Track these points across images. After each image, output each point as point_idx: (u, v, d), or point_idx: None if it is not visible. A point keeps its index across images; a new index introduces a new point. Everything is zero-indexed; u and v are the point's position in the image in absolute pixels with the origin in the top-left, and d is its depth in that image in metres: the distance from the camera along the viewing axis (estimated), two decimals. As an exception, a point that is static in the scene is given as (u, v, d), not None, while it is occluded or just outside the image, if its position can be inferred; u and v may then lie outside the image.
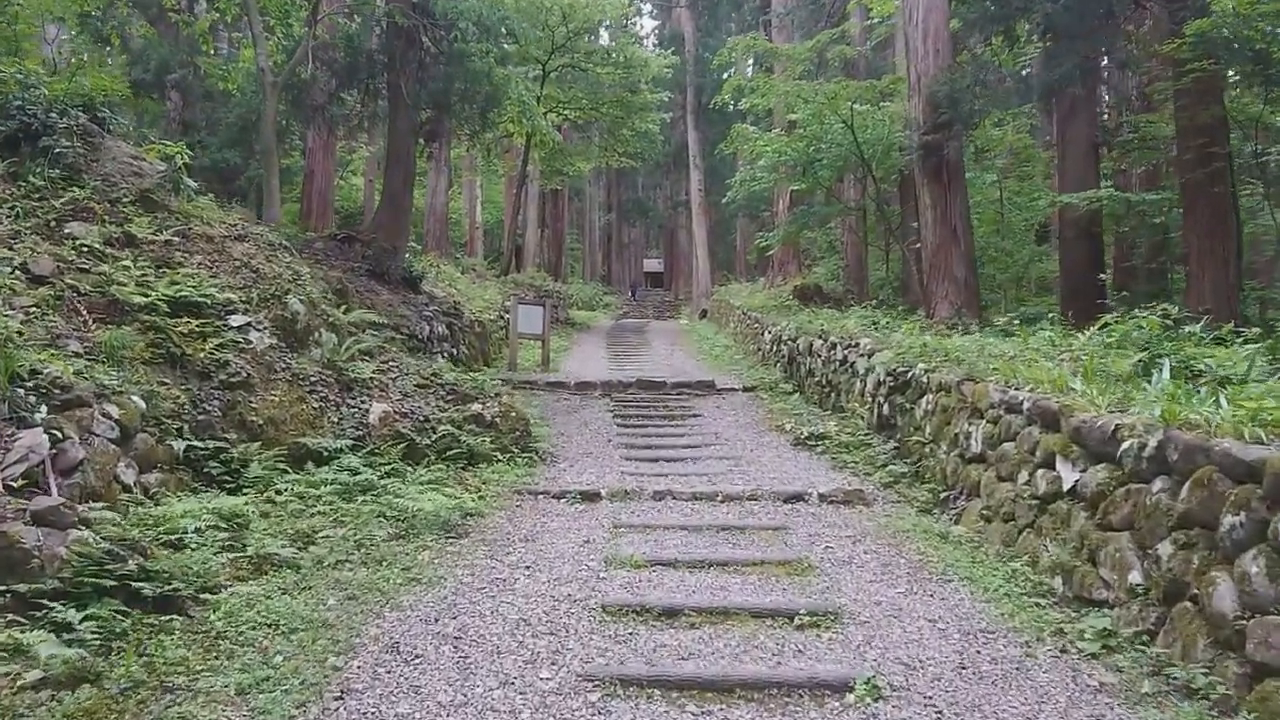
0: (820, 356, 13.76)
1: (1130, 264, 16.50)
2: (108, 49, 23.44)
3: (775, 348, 18.09)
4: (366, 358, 9.51)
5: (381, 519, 6.88)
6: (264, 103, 13.80)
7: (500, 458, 9.20)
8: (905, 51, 14.76)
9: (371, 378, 8.92)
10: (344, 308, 10.50)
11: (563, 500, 8.20)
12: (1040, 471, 6.21)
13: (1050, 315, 14.04)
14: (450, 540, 6.81)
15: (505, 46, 15.83)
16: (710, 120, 43.92)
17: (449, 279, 22.94)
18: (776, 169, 23.64)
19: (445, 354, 14.47)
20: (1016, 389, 7.07)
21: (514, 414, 9.65)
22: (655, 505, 8.08)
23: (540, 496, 8.29)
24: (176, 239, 8.38)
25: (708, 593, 5.66)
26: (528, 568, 6.19)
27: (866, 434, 10.50)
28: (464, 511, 7.41)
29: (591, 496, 8.27)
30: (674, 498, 8.29)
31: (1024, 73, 17.13)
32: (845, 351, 12.40)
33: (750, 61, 36.19)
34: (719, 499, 8.24)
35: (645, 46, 41.49)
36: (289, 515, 6.63)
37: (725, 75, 36.08)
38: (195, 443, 6.90)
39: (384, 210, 15.85)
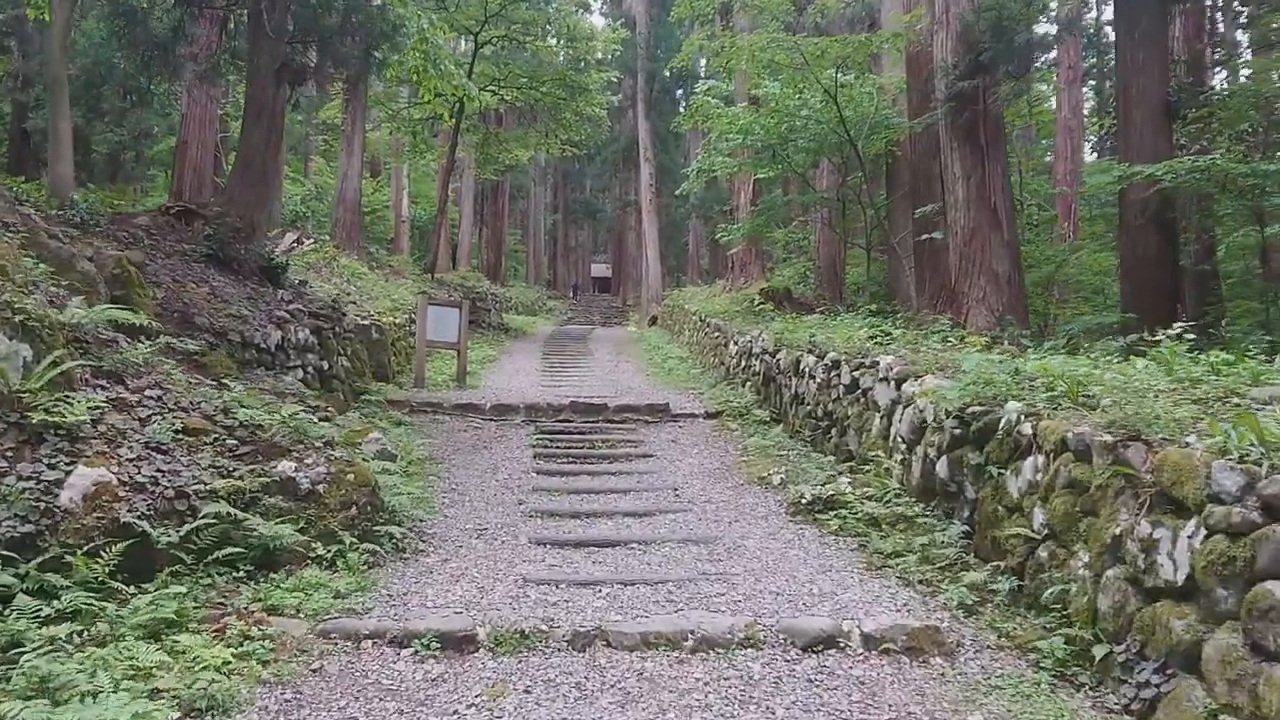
0: (813, 378, 10.24)
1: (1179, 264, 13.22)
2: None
3: (744, 363, 14.59)
4: (103, 384, 5.71)
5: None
6: (52, 15, 9.89)
7: (321, 554, 5.46)
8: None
9: (89, 421, 5.14)
10: (90, 300, 6.67)
11: (405, 652, 4.49)
12: None
13: (1115, 325, 10.76)
14: (108, 807, 3.09)
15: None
16: (661, 112, 40.58)
17: (350, 274, 19.13)
18: (739, 153, 20.21)
19: (309, 369, 10.65)
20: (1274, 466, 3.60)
21: (352, 477, 5.91)
22: (574, 665, 4.42)
23: (366, 644, 4.56)
24: None
25: None
26: None
27: (902, 499, 6.97)
28: (190, 706, 3.69)
29: (460, 644, 4.58)
30: (609, 644, 4.63)
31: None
32: (855, 374, 8.88)
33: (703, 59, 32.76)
34: (688, 645, 4.61)
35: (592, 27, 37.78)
36: None
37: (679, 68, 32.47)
38: None
39: (237, 178, 11.99)
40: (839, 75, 15.80)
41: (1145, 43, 10.64)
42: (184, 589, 4.58)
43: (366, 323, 14.44)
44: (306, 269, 16.69)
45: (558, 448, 10.52)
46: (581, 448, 10.59)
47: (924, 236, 13.68)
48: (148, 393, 5.82)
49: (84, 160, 18.14)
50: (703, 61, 39.37)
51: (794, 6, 18.03)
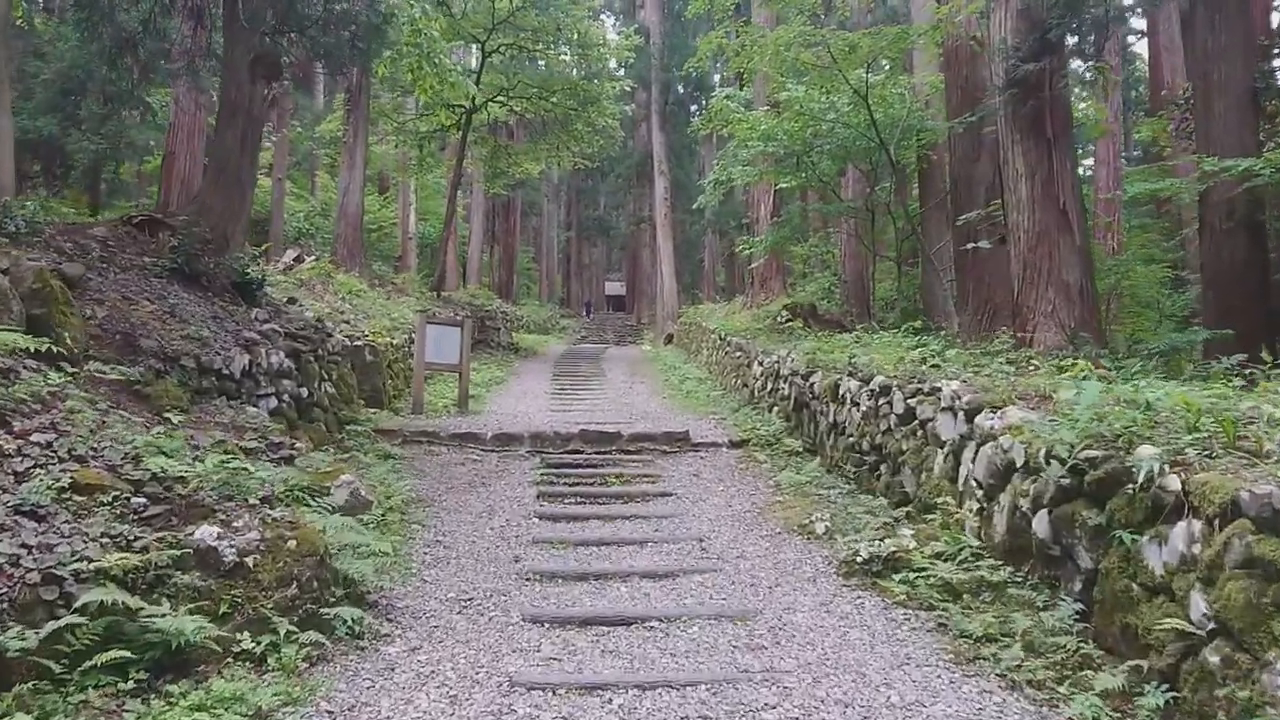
0: (856, 406, 8.94)
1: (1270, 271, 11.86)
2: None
3: (770, 385, 13.29)
4: (-23, 426, 4.49)
5: None
6: (-10, 2, 8.79)
7: (247, 648, 4.19)
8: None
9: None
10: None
11: (336, 812, 3.24)
12: None
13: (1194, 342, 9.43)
14: None
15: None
16: (676, 125, 39.47)
17: (347, 291, 17.94)
18: (759, 161, 18.95)
19: (284, 397, 9.42)
20: None
21: (293, 543, 4.64)
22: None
23: (283, 797, 3.31)
24: None
25: None
26: None
27: (983, 560, 5.63)
28: None
29: (414, 795, 3.31)
30: (621, 794, 3.36)
31: None
32: (911, 402, 7.57)
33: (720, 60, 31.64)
34: (733, 795, 3.32)
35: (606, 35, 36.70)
36: None
37: (692, 74, 31.25)
38: None
39: (210, 184, 10.83)
40: (869, 75, 14.60)
41: (1228, 26, 9.38)
42: (31, 718, 3.31)
43: (359, 344, 13.23)
44: (298, 286, 15.56)
45: (565, 484, 9.27)
46: (592, 484, 9.33)
47: (968, 246, 12.39)
48: (35, 438, 4.59)
49: (63, 172, 17.16)
50: (717, 77, 38.36)
51: (820, -1, 16.80)
